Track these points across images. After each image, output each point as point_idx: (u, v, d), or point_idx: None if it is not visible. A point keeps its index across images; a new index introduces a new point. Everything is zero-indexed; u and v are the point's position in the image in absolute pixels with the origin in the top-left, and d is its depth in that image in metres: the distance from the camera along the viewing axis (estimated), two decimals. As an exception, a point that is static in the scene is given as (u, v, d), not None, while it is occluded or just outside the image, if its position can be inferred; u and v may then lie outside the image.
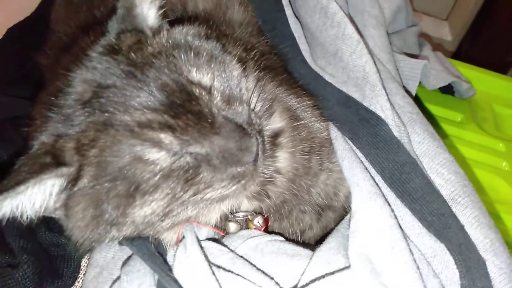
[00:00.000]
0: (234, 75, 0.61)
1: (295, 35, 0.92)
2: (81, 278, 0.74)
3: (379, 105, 0.75)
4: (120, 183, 0.52)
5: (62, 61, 0.70)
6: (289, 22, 0.94)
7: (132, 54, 0.56)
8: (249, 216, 0.73)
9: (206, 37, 0.63)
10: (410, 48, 1.20)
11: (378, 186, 0.65)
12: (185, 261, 0.58)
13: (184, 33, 0.62)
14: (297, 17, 0.96)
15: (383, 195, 0.64)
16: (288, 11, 0.95)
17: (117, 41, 0.59)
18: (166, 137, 0.52)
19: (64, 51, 0.74)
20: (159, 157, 0.52)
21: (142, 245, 0.62)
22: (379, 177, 0.68)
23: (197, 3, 0.89)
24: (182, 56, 0.56)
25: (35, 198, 0.51)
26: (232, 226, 0.72)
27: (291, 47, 0.90)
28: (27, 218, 0.52)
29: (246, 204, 0.72)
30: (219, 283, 0.56)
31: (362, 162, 0.70)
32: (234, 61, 0.62)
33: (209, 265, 0.57)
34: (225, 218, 0.71)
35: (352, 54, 0.83)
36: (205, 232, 0.68)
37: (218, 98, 0.57)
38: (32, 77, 0.94)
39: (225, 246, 0.65)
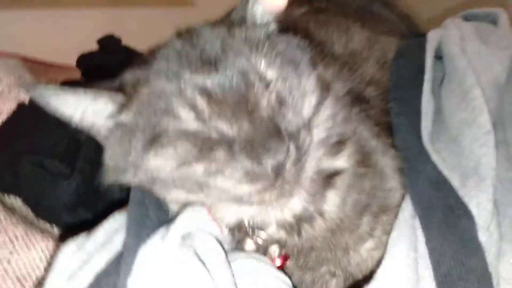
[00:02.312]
0: (304, 87, 0.59)
1: (423, 110, 0.83)
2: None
3: (477, 201, 0.60)
4: (148, 127, 0.55)
5: None
6: (423, 97, 0.86)
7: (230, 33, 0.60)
8: (270, 245, 0.65)
9: (302, 48, 0.63)
10: None
11: (415, 271, 0.50)
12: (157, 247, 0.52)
13: (286, 40, 0.64)
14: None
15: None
16: (427, 87, 0.87)
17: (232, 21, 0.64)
18: (201, 103, 0.53)
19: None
20: (187, 117, 0.53)
21: (142, 197, 0.59)
22: (430, 270, 0.53)
23: (335, 47, 0.90)
24: (264, 50, 0.58)
25: (87, 107, 0.57)
26: (249, 244, 0.65)
27: (409, 119, 0.82)
28: (75, 123, 0.58)
29: (273, 230, 0.65)
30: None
31: (416, 244, 0.56)
32: (315, 80, 0.61)
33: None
34: (245, 234, 0.65)
35: (474, 142, 0.71)
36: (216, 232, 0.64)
37: (273, 95, 0.56)
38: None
39: (224, 250, 0.59)
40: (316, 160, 0.62)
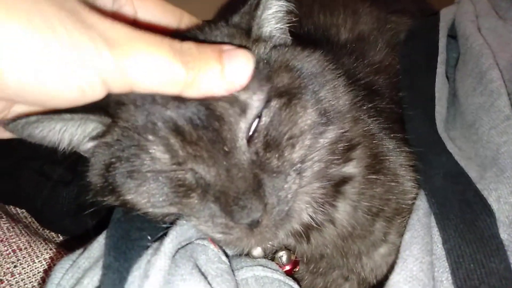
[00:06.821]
0: (299, 126, 0.50)
1: (436, 95, 0.78)
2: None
3: (497, 194, 0.56)
4: (126, 158, 0.49)
5: None
6: (437, 81, 0.80)
7: None
8: (278, 251, 0.62)
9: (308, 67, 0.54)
10: None
11: (430, 276, 0.46)
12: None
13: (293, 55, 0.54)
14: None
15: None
16: (440, 69, 0.82)
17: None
18: (175, 143, 0.46)
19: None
20: (160, 157, 0.47)
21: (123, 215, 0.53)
22: (448, 274, 0.49)
23: (340, 32, 0.85)
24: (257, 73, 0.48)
25: (75, 131, 0.50)
26: (257, 250, 0.62)
27: (422, 106, 0.76)
28: (63, 148, 0.51)
29: (282, 237, 0.61)
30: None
31: (431, 246, 0.52)
32: (315, 114, 0.51)
33: None
34: None
35: (492, 129, 0.65)
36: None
37: (260, 137, 0.48)
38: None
39: (227, 257, 0.56)
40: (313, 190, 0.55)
